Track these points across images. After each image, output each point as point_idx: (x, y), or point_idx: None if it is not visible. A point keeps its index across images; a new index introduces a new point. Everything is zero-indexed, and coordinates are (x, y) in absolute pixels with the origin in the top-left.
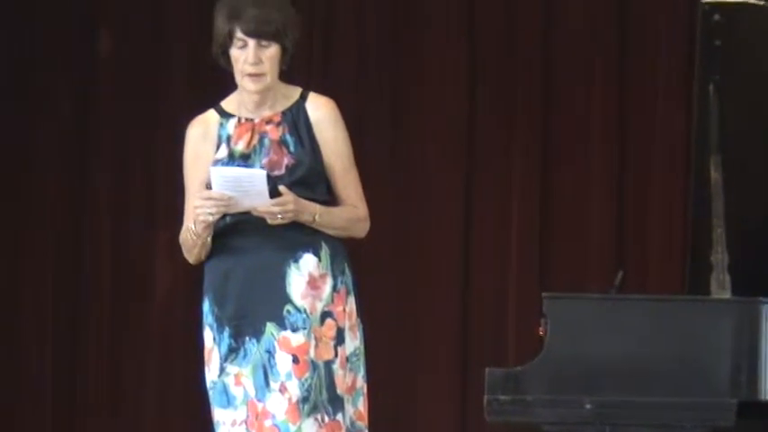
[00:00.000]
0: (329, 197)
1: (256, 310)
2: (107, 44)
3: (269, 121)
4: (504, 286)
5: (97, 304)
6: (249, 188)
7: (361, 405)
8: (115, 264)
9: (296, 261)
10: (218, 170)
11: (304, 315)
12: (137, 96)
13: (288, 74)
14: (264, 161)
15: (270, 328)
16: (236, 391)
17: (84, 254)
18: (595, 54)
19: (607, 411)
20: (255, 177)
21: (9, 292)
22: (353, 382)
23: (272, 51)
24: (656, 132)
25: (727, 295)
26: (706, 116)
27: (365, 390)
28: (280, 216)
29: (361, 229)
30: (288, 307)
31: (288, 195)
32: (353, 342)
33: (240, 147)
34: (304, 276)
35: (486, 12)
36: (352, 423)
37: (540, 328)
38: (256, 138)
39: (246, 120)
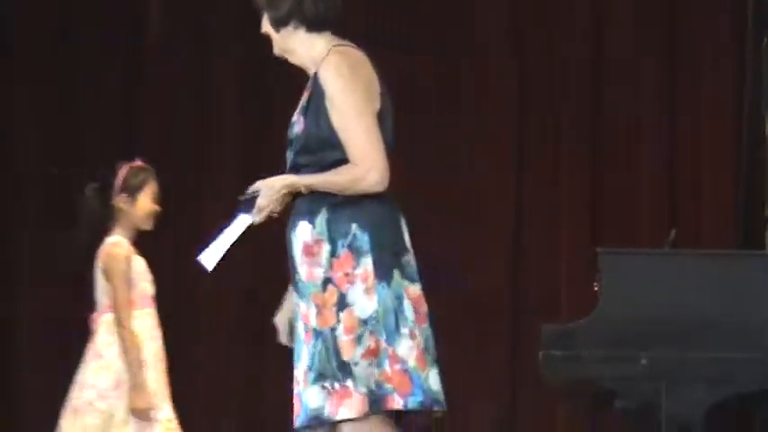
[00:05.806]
0: (344, 157)
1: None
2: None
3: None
4: (557, 244)
5: None
6: (238, 231)
7: (388, 366)
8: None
9: (294, 230)
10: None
11: (302, 283)
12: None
13: None
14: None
15: (294, 296)
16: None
17: None
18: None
19: (662, 366)
20: (238, 225)
21: None
22: (377, 345)
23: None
24: (704, 86)
25: None
26: (758, 72)
27: (391, 352)
28: (264, 204)
29: (364, 186)
30: (296, 275)
31: (256, 184)
32: (371, 304)
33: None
34: (299, 244)
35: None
36: (378, 385)
37: (595, 284)
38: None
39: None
